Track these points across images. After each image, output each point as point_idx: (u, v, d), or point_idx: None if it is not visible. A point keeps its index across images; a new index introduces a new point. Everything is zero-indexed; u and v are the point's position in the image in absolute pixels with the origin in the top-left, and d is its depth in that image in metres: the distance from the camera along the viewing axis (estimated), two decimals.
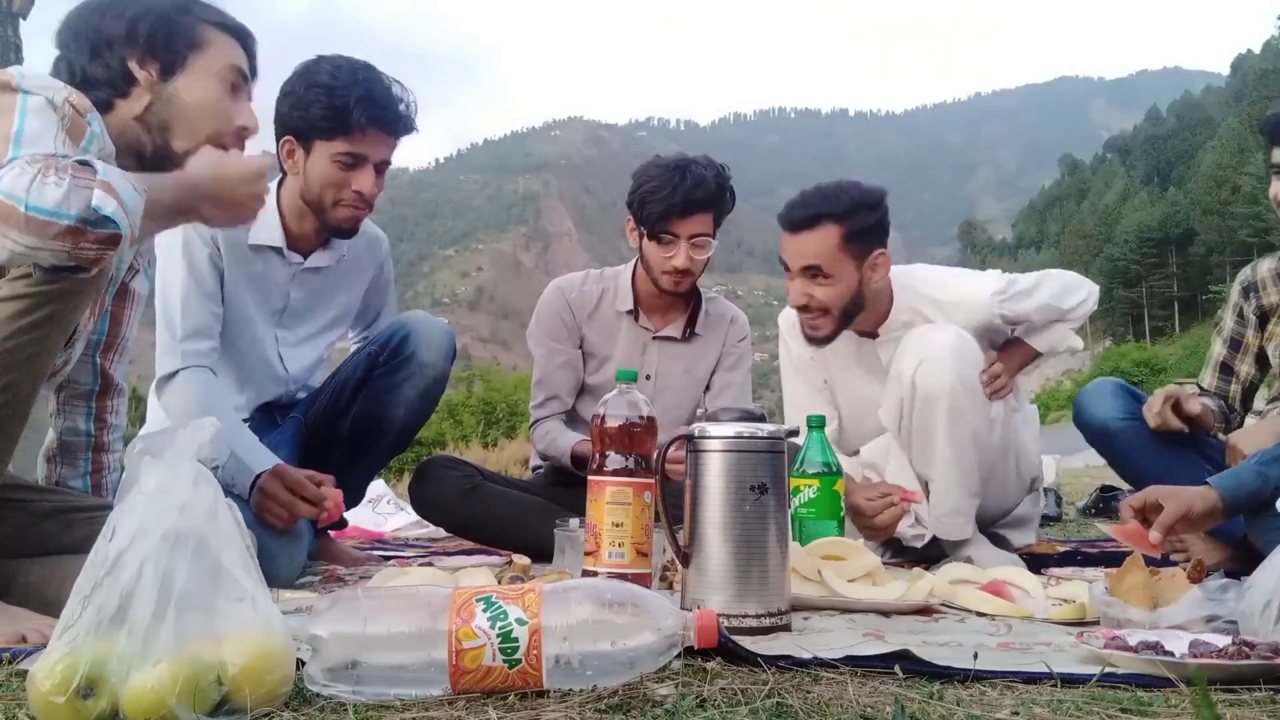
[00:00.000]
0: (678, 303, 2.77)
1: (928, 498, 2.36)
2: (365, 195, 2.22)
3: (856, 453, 2.61)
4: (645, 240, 2.60)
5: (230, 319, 2.26)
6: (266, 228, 2.27)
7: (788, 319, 2.61)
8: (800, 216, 2.31)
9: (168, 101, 1.66)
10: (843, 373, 2.56)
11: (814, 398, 2.61)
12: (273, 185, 2.32)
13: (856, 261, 2.32)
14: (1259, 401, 2.47)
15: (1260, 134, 2.21)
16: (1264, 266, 2.40)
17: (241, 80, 1.73)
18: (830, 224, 2.28)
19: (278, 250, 2.31)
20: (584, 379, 2.75)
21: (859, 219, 2.30)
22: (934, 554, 2.49)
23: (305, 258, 2.35)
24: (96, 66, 1.63)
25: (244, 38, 1.76)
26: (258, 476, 2.01)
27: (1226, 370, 2.46)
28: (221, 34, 1.72)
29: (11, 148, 1.35)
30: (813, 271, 2.30)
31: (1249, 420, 2.45)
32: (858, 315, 2.39)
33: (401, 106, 2.22)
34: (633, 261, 2.79)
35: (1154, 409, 2.26)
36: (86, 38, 1.64)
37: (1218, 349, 2.49)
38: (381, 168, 2.25)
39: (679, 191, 2.50)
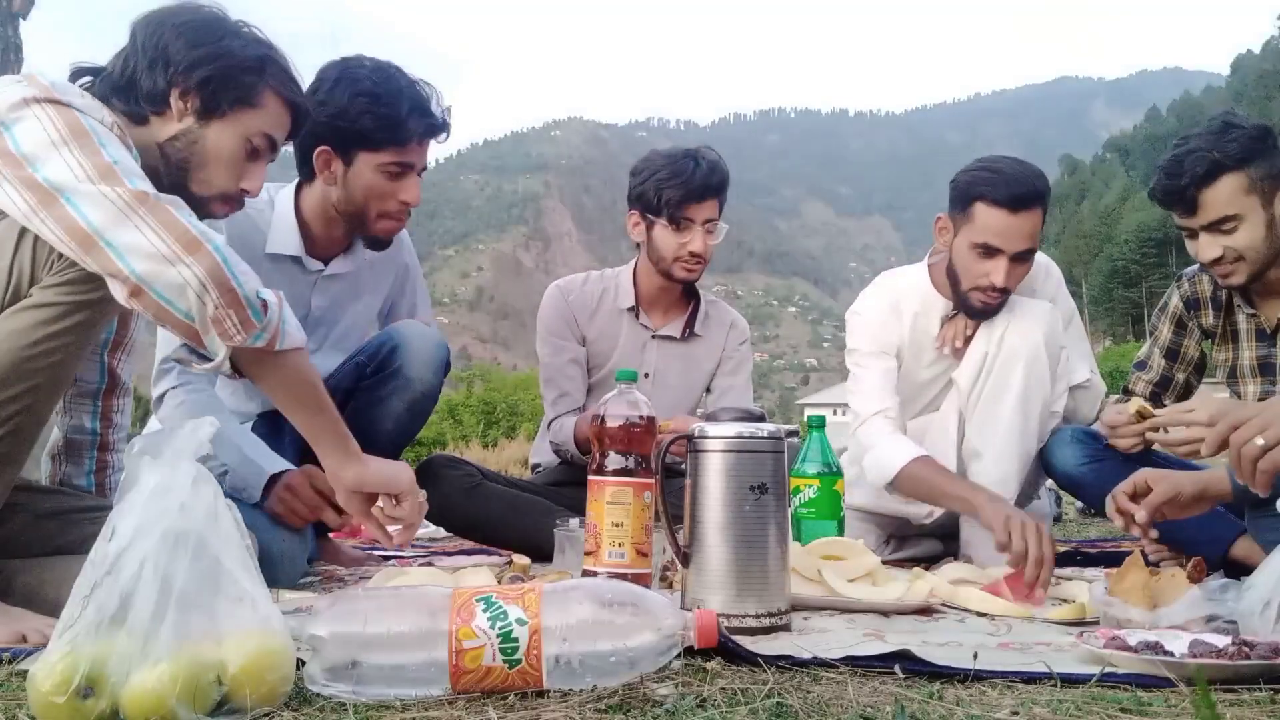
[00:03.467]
0: (678, 301, 2.78)
1: (966, 475, 2.37)
2: (413, 204, 2.20)
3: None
4: (659, 229, 2.61)
5: None
6: (284, 237, 2.23)
7: (864, 305, 2.58)
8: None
9: (192, 142, 1.64)
10: (914, 352, 2.54)
11: (886, 386, 2.49)
12: (290, 190, 2.27)
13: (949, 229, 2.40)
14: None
15: (1151, 199, 2.23)
16: (1206, 283, 2.34)
17: (268, 148, 1.73)
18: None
19: (296, 259, 2.25)
20: (590, 365, 2.76)
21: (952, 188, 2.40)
22: (935, 553, 2.50)
23: (326, 264, 2.30)
24: (147, 77, 1.62)
25: (300, 112, 1.76)
26: (275, 476, 2.01)
27: (1164, 383, 2.44)
28: (280, 102, 1.71)
29: (124, 178, 1.35)
30: None
31: None
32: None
33: (440, 111, 2.20)
34: (633, 260, 2.79)
35: (1125, 434, 2.21)
36: (153, 45, 1.62)
37: (1156, 359, 2.46)
38: (420, 173, 2.22)
39: (697, 176, 2.55)
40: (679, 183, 2.55)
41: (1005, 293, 2.32)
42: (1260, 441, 1.45)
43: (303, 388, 1.58)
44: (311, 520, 2.03)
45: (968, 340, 2.43)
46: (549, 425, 2.73)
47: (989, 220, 2.24)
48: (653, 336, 2.75)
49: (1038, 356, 2.28)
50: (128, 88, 1.60)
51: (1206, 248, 2.12)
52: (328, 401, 1.62)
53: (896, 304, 2.49)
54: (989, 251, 2.26)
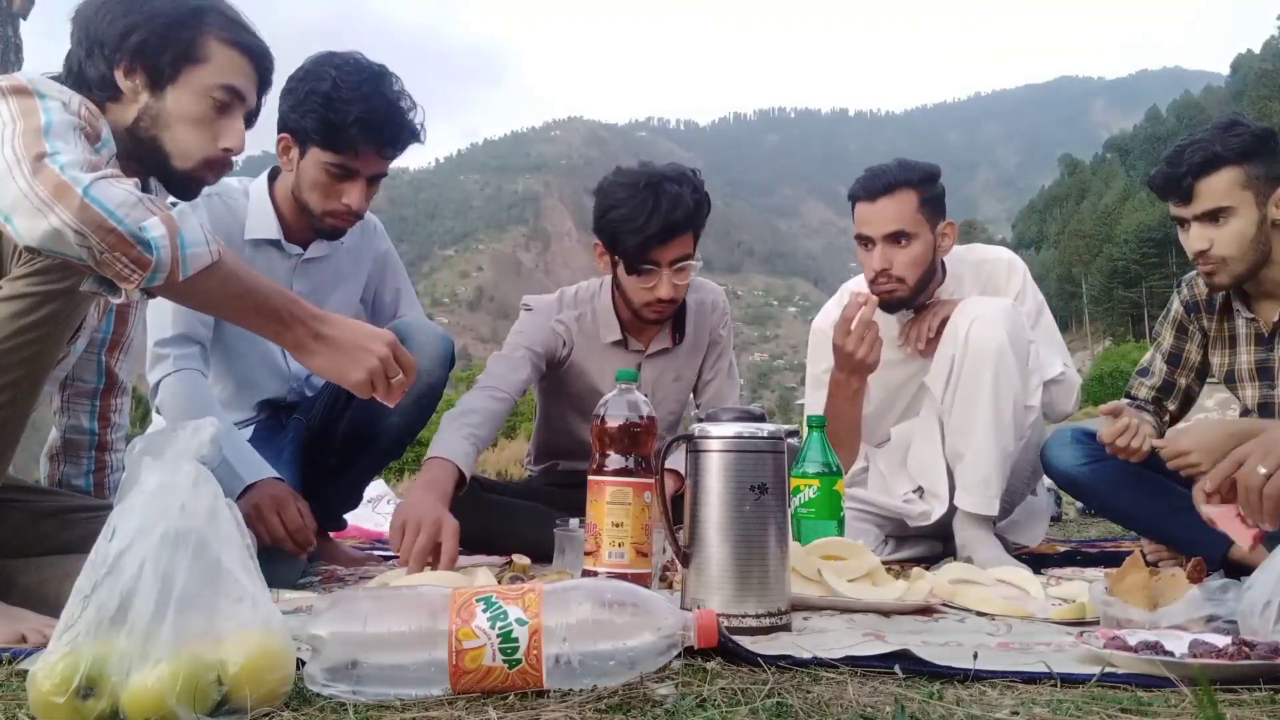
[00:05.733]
0: None
1: (954, 476, 2.38)
2: (353, 209, 2.18)
3: (883, 443, 2.62)
4: (622, 271, 2.40)
5: (222, 322, 2.21)
6: (262, 221, 2.26)
7: (829, 321, 2.59)
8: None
9: (155, 117, 1.60)
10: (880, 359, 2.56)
11: None
12: (263, 177, 2.31)
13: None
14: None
15: (1150, 189, 2.31)
16: (1203, 286, 2.37)
17: (235, 99, 1.65)
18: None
19: (275, 243, 2.28)
20: (570, 390, 2.62)
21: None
22: (935, 553, 2.50)
23: (304, 249, 2.32)
24: (89, 66, 1.58)
25: (256, 55, 1.68)
26: (248, 488, 1.98)
27: (1166, 388, 2.47)
28: (228, 49, 1.64)
29: (44, 139, 1.34)
30: None
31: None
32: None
33: (402, 125, 2.14)
34: (608, 284, 2.58)
35: (1121, 442, 2.21)
36: (85, 34, 1.59)
37: (1159, 364, 2.49)
38: (375, 180, 2.20)
39: (656, 218, 2.27)
40: (636, 228, 2.28)
41: (901, 281, 2.42)
42: (1262, 470, 1.44)
43: (224, 302, 1.48)
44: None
45: (930, 341, 2.45)
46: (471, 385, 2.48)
47: (857, 214, 2.48)
48: (646, 357, 2.62)
49: (1004, 354, 2.29)
50: (79, 84, 1.56)
51: (1195, 238, 2.18)
52: (260, 300, 1.50)
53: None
54: (864, 241, 2.46)
